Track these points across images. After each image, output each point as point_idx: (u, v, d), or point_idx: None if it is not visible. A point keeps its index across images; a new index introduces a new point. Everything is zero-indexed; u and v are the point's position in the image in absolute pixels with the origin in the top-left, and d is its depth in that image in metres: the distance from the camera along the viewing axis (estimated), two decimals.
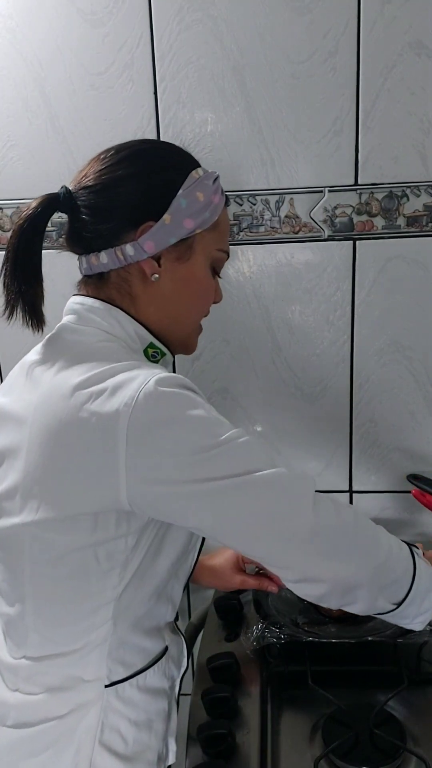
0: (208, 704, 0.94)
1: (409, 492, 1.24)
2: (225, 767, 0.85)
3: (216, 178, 0.84)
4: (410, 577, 0.75)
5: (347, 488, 1.33)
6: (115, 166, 0.80)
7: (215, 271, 0.88)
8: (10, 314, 0.78)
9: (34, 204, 0.79)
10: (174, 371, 1.29)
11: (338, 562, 0.71)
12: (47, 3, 1.14)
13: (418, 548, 0.80)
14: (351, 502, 1.33)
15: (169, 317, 0.84)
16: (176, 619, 0.92)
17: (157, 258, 0.81)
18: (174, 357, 0.89)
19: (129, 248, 0.79)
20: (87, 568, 0.74)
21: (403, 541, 0.79)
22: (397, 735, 0.88)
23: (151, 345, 0.83)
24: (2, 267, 0.78)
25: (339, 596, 0.73)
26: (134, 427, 0.67)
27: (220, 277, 0.90)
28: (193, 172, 0.82)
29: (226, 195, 0.88)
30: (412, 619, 0.77)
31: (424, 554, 0.86)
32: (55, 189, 0.82)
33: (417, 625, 0.78)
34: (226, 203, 0.88)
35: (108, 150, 0.82)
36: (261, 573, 1.09)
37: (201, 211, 0.81)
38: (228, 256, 0.89)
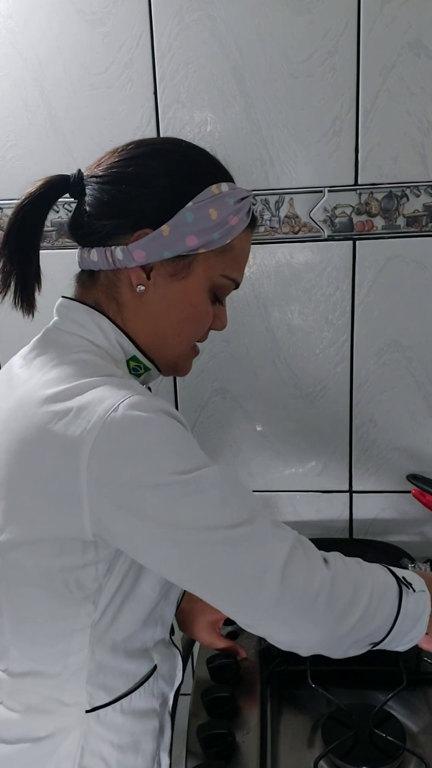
0: (208, 704, 0.95)
1: (409, 492, 1.24)
2: (225, 767, 0.85)
3: (244, 198, 0.77)
4: (392, 621, 0.69)
5: (347, 488, 1.33)
6: (128, 161, 0.75)
7: (217, 297, 0.81)
8: (0, 290, 0.76)
9: (39, 182, 0.75)
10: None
11: (302, 631, 0.66)
12: (47, 3, 1.14)
13: (415, 575, 0.73)
14: (351, 502, 1.34)
15: (155, 335, 0.78)
16: (172, 632, 0.88)
17: (148, 269, 0.75)
18: (161, 375, 0.84)
19: (119, 252, 0.74)
20: (58, 594, 0.71)
21: (402, 568, 0.73)
22: (396, 735, 0.88)
23: (134, 358, 0.78)
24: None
25: (304, 652, 0.69)
26: (96, 457, 0.63)
27: (222, 304, 0.83)
28: (213, 186, 0.75)
29: (254, 217, 0.81)
30: (393, 647, 0.72)
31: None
32: None
33: (400, 648, 0.73)
34: (252, 225, 0.81)
35: (130, 143, 0.77)
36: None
37: (209, 231, 0.74)
38: (236, 285, 0.81)
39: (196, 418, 1.31)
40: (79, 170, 0.77)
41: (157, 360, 0.81)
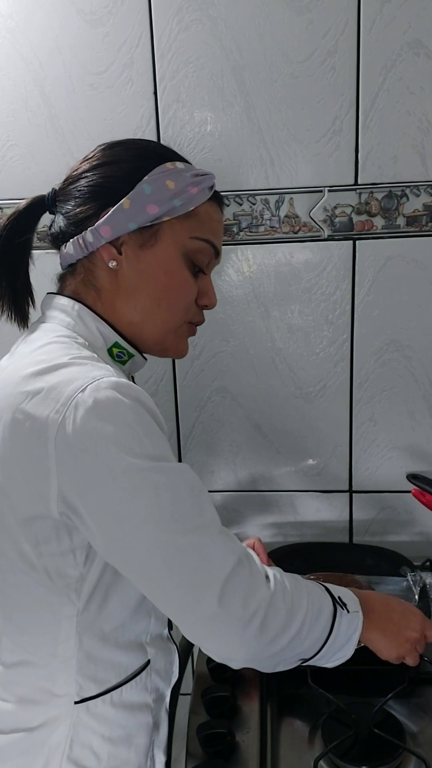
0: (208, 704, 0.94)
1: (408, 492, 1.24)
2: (225, 766, 0.85)
3: (201, 174, 0.81)
4: (323, 641, 0.71)
5: (347, 488, 1.33)
6: (91, 158, 0.81)
7: (197, 266, 0.82)
8: None
9: (23, 202, 0.81)
10: (174, 369, 1.29)
11: (233, 648, 0.67)
12: (47, 3, 1.14)
13: (352, 594, 0.76)
14: (351, 501, 1.34)
15: (136, 312, 0.80)
16: (170, 628, 0.88)
17: (119, 244, 0.78)
18: (161, 359, 0.87)
19: (88, 234, 0.78)
20: (41, 582, 0.72)
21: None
22: (396, 734, 0.88)
23: (116, 344, 0.80)
24: None
25: (235, 666, 0.70)
26: (62, 439, 0.64)
27: (205, 273, 0.85)
28: (168, 163, 0.80)
29: (218, 193, 0.84)
30: (323, 664, 0.75)
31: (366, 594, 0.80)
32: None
33: (329, 665, 0.76)
34: (218, 201, 0.84)
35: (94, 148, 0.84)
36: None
37: (169, 199, 0.78)
38: (213, 248, 0.83)
39: (196, 418, 1.31)
40: (53, 188, 0.83)
41: (144, 340, 0.82)
